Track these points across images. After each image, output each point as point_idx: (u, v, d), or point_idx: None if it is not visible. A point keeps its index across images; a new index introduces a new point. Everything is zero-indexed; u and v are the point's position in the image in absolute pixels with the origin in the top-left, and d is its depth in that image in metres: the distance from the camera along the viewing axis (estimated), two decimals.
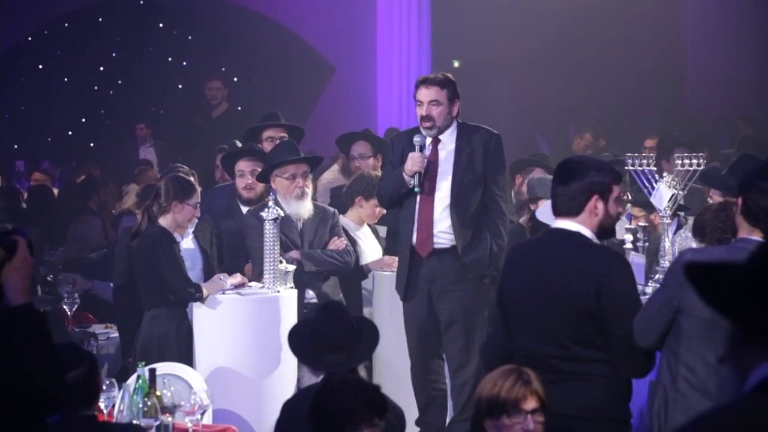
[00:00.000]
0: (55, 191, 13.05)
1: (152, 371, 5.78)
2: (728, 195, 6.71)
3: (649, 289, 6.82)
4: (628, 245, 7.35)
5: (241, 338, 7.38)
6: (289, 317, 7.38)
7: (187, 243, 7.74)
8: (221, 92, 13.53)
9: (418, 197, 7.45)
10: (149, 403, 5.67)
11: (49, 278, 9.14)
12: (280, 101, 14.54)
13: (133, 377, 6.00)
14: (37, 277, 8.97)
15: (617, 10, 17.32)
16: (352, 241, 8.41)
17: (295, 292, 7.58)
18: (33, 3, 15.65)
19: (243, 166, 8.47)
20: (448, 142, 7.51)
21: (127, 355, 7.99)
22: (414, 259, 7.48)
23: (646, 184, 7.35)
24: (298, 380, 7.23)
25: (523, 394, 4.29)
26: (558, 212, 5.08)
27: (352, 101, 16.62)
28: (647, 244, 7.47)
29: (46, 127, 17.10)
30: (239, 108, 14.61)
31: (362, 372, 5.49)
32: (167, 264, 7.41)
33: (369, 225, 8.68)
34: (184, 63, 17.49)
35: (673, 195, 7.25)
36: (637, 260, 7.21)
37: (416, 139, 7.43)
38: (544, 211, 6.63)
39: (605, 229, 5.12)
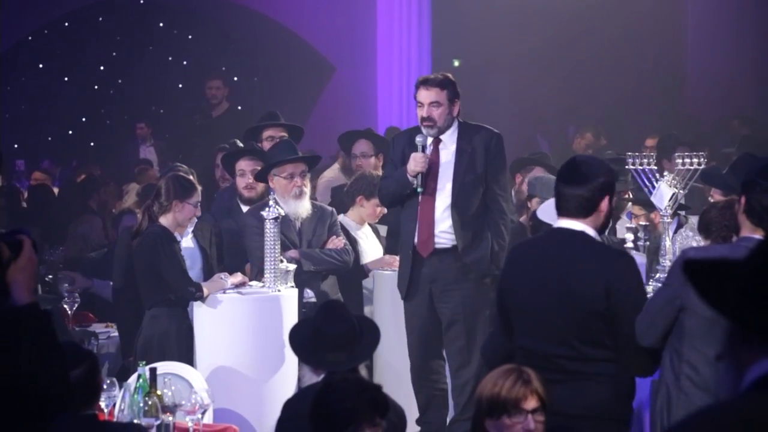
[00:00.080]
0: (56, 190, 13.05)
1: (153, 370, 5.78)
2: (729, 194, 6.70)
3: (649, 289, 6.82)
4: (629, 244, 7.35)
5: (242, 337, 7.38)
6: (290, 316, 7.38)
7: (187, 242, 7.73)
8: (221, 91, 13.52)
9: (420, 197, 7.45)
10: (150, 403, 5.67)
11: (48, 278, 9.12)
12: (280, 101, 14.53)
13: (134, 376, 6.00)
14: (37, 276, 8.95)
15: (617, 10, 17.31)
16: (353, 241, 8.41)
17: (295, 291, 7.58)
18: (33, 2, 15.65)
19: (243, 165, 8.47)
20: (449, 141, 7.51)
21: (127, 354, 7.98)
22: (415, 258, 7.48)
23: (647, 183, 7.35)
24: (299, 379, 7.23)
25: (523, 393, 4.29)
26: (566, 213, 5.06)
27: (353, 101, 16.62)
28: (648, 243, 7.47)
29: (46, 127, 17.10)
30: (239, 107, 14.60)
31: (363, 371, 5.49)
32: (168, 263, 7.41)
33: (370, 224, 8.68)
34: (185, 62, 17.48)
35: (673, 194, 7.25)
36: (638, 259, 7.20)
37: (418, 139, 7.42)
38: (545, 211, 6.63)
39: (605, 226, 5.17)
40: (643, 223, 7.61)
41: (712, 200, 7.23)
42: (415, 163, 7.38)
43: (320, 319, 5.42)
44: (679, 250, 6.85)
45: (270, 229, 7.45)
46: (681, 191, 7.30)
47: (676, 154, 7.62)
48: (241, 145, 9.40)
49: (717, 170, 7.51)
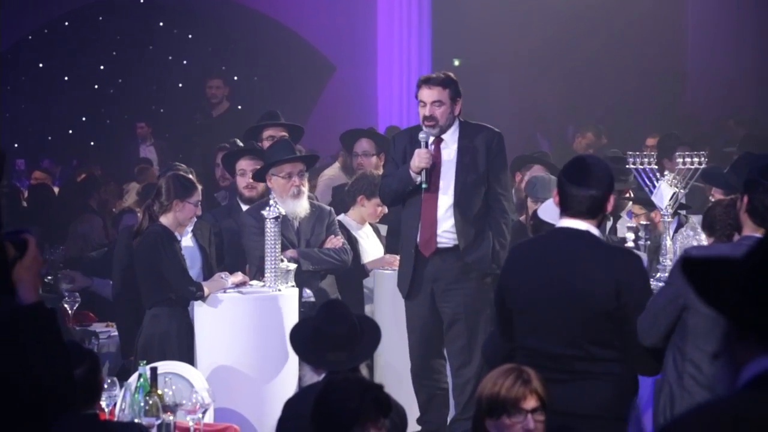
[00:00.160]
0: (56, 190, 13.05)
1: (153, 370, 5.78)
2: (730, 193, 6.70)
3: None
4: (630, 243, 7.34)
5: (243, 337, 7.38)
6: (291, 316, 7.37)
7: (186, 241, 7.73)
8: (221, 91, 13.51)
9: (422, 196, 7.44)
10: (151, 402, 5.67)
11: (47, 279, 9.11)
12: (280, 100, 14.54)
13: (135, 376, 6.00)
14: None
15: (618, 9, 17.31)
16: (354, 240, 8.41)
17: (296, 290, 7.58)
18: (33, 2, 15.66)
19: (244, 165, 8.47)
20: (450, 141, 7.51)
21: (127, 354, 7.98)
22: (417, 258, 7.47)
23: (647, 182, 7.35)
24: (300, 379, 7.23)
25: (522, 393, 4.28)
26: (573, 213, 5.06)
27: (353, 100, 16.62)
28: (648, 242, 7.47)
29: (46, 126, 17.11)
30: (239, 107, 14.59)
31: (364, 371, 5.49)
32: (168, 262, 7.41)
33: (370, 224, 8.68)
34: (185, 62, 17.48)
35: (674, 193, 7.24)
36: None
37: (422, 135, 7.42)
38: (546, 210, 6.63)
39: (603, 223, 5.20)
40: (644, 223, 7.60)
41: (713, 199, 7.23)
42: (420, 159, 7.37)
43: (321, 318, 5.42)
44: (680, 249, 6.85)
45: (270, 229, 7.44)
46: (682, 191, 7.30)
47: (677, 153, 7.61)
48: (241, 144, 9.39)
49: (718, 169, 7.51)
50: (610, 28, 17.26)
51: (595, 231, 5.09)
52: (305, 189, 8.00)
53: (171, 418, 5.75)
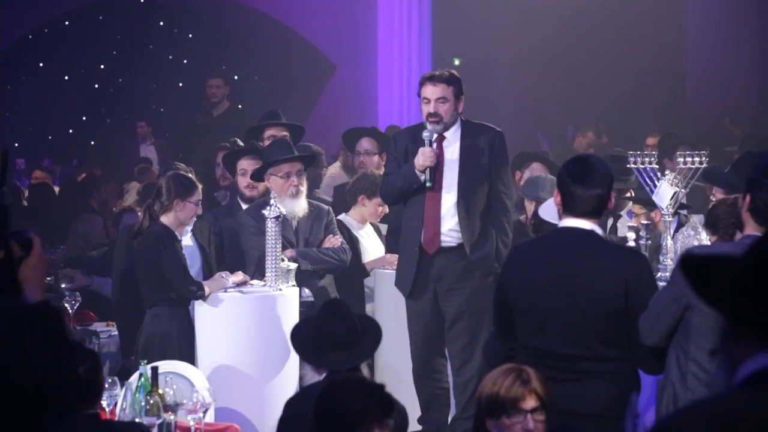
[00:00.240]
0: (56, 189, 13.05)
1: (154, 369, 5.78)
2: (731, 192, 6.69)
3: None
4: (631, 243, 7.34)
5: (243, 336, 7.38)
6: (291, 315, 7.37)
7: (186, 241, 7.72)
8: (221, 90, 13.50)
9: (425, 195, 7.44)
10: (151, 402, 5.67)
11: (48, 279, 9.11)
12: (280, 99, 14.54)
13: (136, 375, 6.00)
14: None
15: (618, 9, 17.32)
16: (355, 240, 8.41)
17: (296, 290, 7.58)
18: (34, 1, 15.65)
19: (245, 164, 8.46)
20: (453, 139, 7.51)
21: (127, 353, 7.98)
22: (421, 256, 7.46)
23: (648, 182, 7.35)
24: (301, 378, 7.22)
25: (521, 393, 4.27)
26: (578, 212, 5.06)
27: (353, 99, 16.62)
28: (649, 242, 7.47)
29: (46, 126, 17.11)
30: (240, 106, 14.60)
31: (365, 370, 5.49)
32: (169, 262, 7.41)
33: (371, 223, 8.67)
34: (185, 61, 17.48)
35: (675, 193, 7.24)
36: None
37: (425, 134, 7.41)
38: (547, 209, 6.62)
39: (605, 222, 5.22)
40: (645, 222, 7.60)
41: (713, 199, 7.22)
42: (424, 157, 7.36)
43: (322, 318, 5.42)
44: (681, 249, 6.85)
45: (271, 228, 7.44)
46: (682, 190, 7.30)
47: (678, 152, 7.61)
48: (241, 144, 9.39)
49: (719, 169, 7.50)
50: (611, 28, 17.26)
51: (599, 230, 5.11)
52: (303, 188, 8.00)
53: (172, 417, 5.75)
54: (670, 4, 18.35)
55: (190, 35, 17.51)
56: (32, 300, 3.47)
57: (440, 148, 7.48)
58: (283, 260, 7.54)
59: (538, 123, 17.38)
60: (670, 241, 7.20)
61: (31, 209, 12.03)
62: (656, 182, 7.32)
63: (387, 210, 8.47)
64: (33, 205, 12.19)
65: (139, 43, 17.21)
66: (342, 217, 8.51)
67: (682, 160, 7.29)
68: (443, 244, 7.43)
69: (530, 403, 4.28)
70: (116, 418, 5.73)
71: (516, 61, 17.82)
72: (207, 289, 7.40)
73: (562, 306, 5.03)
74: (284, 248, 7.76)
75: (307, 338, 5.41)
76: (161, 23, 17.52)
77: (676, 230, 7.45)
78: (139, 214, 8.86)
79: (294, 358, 7.07)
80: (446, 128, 7.47)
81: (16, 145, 16.09)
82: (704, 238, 6.82)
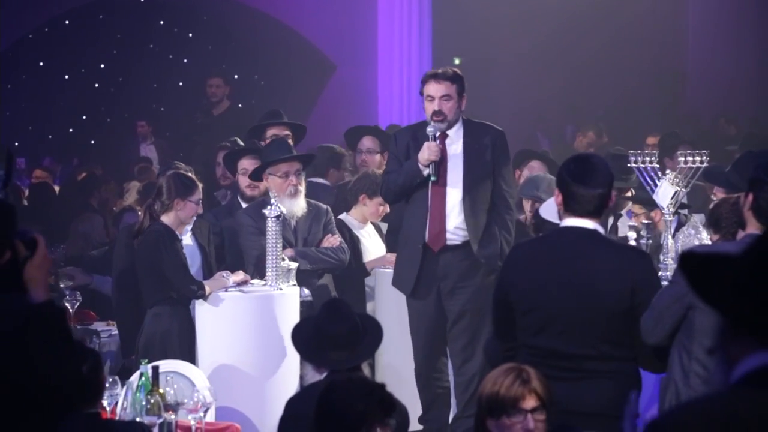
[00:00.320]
0: (56, 189, 13.05)
1: (155, 369, 5.78)
2: (731, 192, 6.69)
3: None
4: (632, 242, 7.34)
5: (244, 336, 7.38)
6: (292, 315, 7.37)
7: (186, 240, 7.72)
8: (221, 89, 13.50)
9: (430, 192, 7.43)
10: (152, 401, 5.67)
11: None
12: (281, 99, 14.54)
13: (136, 375, 6.00)
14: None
15: (618, 9, 17.32)
16: (356, 239, 8.41)
17: (297, 289, 7.58)
18: (34, 1, 15.65)
19: (246, 164, 8.46)
20: (455, 137, 7.51)
21: (128, 353, 7.98)
22: (425, 255, 7.44)
23: (649, 181, 7.35)
24: (301, 378, 7.23)
25: (521, 393, 4.27)
26: (580, 212, 5.06)
27: (353, 99, 16.62)
28: (650, 241, 7.47)
29: (47, 125, 17.12)
30: (240, 105, 14.60)
31: (366, 369, 5.49)
32: (170, 261, 7.41)
33: (372, 223, 8.67)
34: (185, 60, 17.49)
35: (675, 192, 7.25)
36: None
37: (430, 129, 7.40)
38: (548, 209, 6.62)
39: (606, 221, 5.22)
40: (646, 222, 7.60)
41: (714, 198, 7.22)
42: (429, 151, 7.35)
43: (323, 317, 5.42)
44: (682, 248, 6.85)
45: (272, 228, 7.44)
46: (683, 189, 7.30)
47: (679, 152, 7.61)
48: (241, 143, 9.38)
49: (719, 168, 7.50)
50: (611, 28, 17.26)
51: (601, 230, 5.12)
52: (302, 188, 7.99)
53: (172, 416, 5.74)
54: (670, 3, 18.35)
55: (191, 35, 17.51)
56: (37, 299, 3.47)
57: (443, 145, 7.48)
58: (283, 259, 7.54)
59: (538, 122, 17.38)
60: (670, 241, 7.20)
61: (32, 209, 12.02)
62: (657, 181, 7.32)
63: (388, 209, 8.47)
64: (33, 205, 12.18)
65: (140, 43, 17.21)
66: (343, 216, 8.51)
67: (682, 159, 7.29)
68: (448, 242, 7.42)
69: (530, 402, 4.28)
70: (117, 418, 5.73)
71: (516, 60, 17.82)
72: (208, 289, 7.40)
73: (566, 305, 5.02)
74: (283, 248, 7.76)
75: (307, 338, 5.41)
76: (161, 22, 17.52)
77: (676, 230, 7.45)
78: (140, 213, 8.86)
79: (295, 357, 7.07)
80: (449, 126, 7.47)
81: (17, 144, 16.09)
82: (705, 238, 6.82)
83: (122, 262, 7.93)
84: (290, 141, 8.84)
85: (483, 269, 7.41)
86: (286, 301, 7.44)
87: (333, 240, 7.99)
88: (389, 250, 8.43)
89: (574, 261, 5.05)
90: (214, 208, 8.86)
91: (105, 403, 5.61)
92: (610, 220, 8.39)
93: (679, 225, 7.64)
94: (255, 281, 7.63)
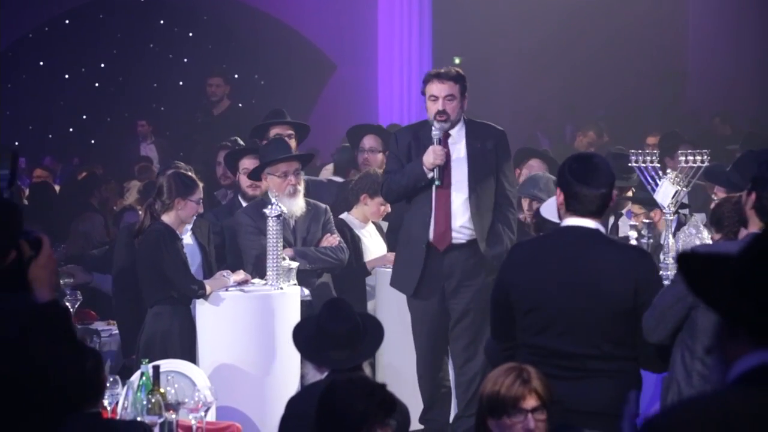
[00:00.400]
0: (57, 188, 13.05)
1: (156, 368, 5.78)
2: (732, 191, 6.69)
3: None
4: (633, 242, 7.34)
5: (245, 335, 7.37)
6: (293, 314, 7.37)
7: (185, 239, 7.72)
8: (221, 89, 13.50)
9: (435, 192, 7.42)
10: (153, 400, 5.67)
11: None
12: (281, 98, 14.54)
13: (137, 374, 6.00)
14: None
15: (618, 8, 17.31)
16: (357, 239, 8.41)
17: (298, 289, 7.57)
18: (34, 0, 15.65)
19: (248, 163, 8.46)
20: (458, 137, 7.51)
21: (128, 353, 7.97)
22: (429, 254, 7.43)
23: (650, 180, 7.35)
24: (302, 377, 7.21)
25: (522, 392, 4.27)
26: (583, 212, 5.05)
27: (354, 98, 16.62)
28: (651, 240, 7.48)
29: (47, 124, 17.13)
30: (240, 105, 14.60)
31: (367, 369, 5.48)
32: (171, 261, 7.41)
33: (373, 222, 8.67)
34: (185, 60, 17.49)
35: (676, 192, 7.25)
36: None
37: (435, 133, 7.40)
38: (549, 208, 6.62)
39: (606, 221, 5.23)
40: (647, 221, 7.61)
41: (715, 198, 7.22)
42: (435, 156, 7.35)
43: (324, 316, 5.41)
44: (683, 247, 6.85)
45: (272, 227, 7.44)
46: (684, 189, 7.30)
47: (680, 151, 7.61)
48: (241, 143, 9.38)
49: (720, 168, 7.50)
50: (611, 28, 17.26)
51: (602, 229, 5.12)
52: (301, 188, 7.99)
53: (173, 416, 5.74)
54: (671, 3, 18.35)
55: (191, 34, 17.52)
56: (42, 299, 3.47)
57: (446, 146, 7.48)
58: (284, 259, 7.54)
59: (538, 122, 17.37)
60: (672, 240, 7.20)
61: (32, 208, 12.01)
62: (658, 181, 7.33)
63: (389, 209, 8.46)
64: (34, 204, 12.18)
65: (140, 42, 17.22)
66: (344, 216, 8.51)
67: (683, 158, 7.29)
68: (454, 241, 7.42)
69: (531, 402, 4.27)
70: (118, 417, 5.73)
71: (516, 60, 17.82)
72: (208, 288, 7.40)
73: (568, 305, 5.01)
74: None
75: (308, 337, 5.41)
76: (161, 22, 17.53)
77: (676, 229, 7.45)
78: (140, 212, 8.86)
79: (295, 356, 7.06)
80: (452, 126, 7.47)
81: (17, 143, 16.10)
82: (706, 237, 6.82)
83: (122, 261, 7.93)
84: (293, 140, 8.84)
85: (487, 268, 7.40)
86: (287, 300, 7.44)
87: (332, 239, 7.98)
88: (390, 249, 8.42)
89: (576, 260, 5.05)
90: (215, 208, 8.86)
91: (106, 402, 5.60)
92: (611, 220, 8.40)
93: (679, 225, 7.65)
94: (256, 281, 7.63)
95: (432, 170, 7.36)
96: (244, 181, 8.46)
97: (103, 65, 17.32)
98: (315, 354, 5.37)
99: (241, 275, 7.56)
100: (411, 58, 16.70)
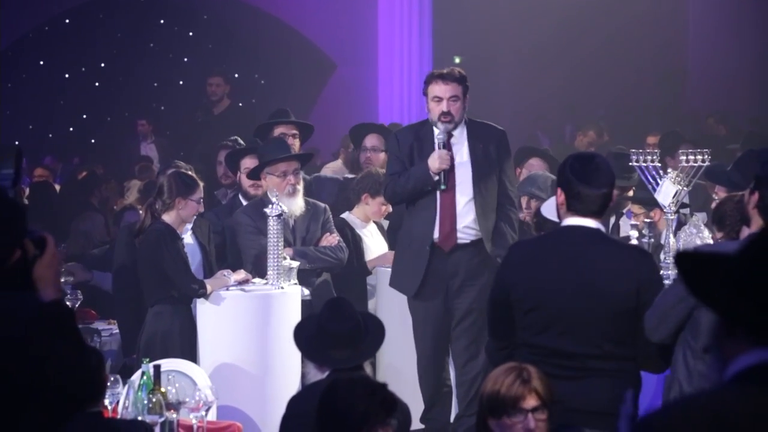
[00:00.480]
0: (57, 187, 13.05)
1: (157, 368, 5.78)
2: (733, 191, 6.69)
3: None
4: (633, 242, 7.34)
5: (245, 335, 7.37)
6: (293, 314, 7.37)
7: (186, 239, 7.72)
8: (222, 88, 13.50)
9: (438, 195, 7.42)
10: (154, 400, 5.67)
11: None
12: (281, 97, 14.54)
13: (138, 373, 6.00)
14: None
15: (618, 7, 17.32)
16: (358, 238, 8.40)
17: (298, 288, 7.57)
18: (34, 0, 15.65)
19: (249, 163, 8.45)
20: (460, 137, 7.50)
21: (129, 352, 7.98)
22: (433, 255, 7.43)
23: (651, 180, 7.35)
24: (303, 376, 7.18)
25: (522, 392, 4.27)
26: (584, 211, 5.05)
27: (354, 98, 16.62)
28: (652, 240, 7.48)
29: (47, 124, 17.13)
30: (240, 104, 14.60)
31: (367, 368, 5.47)
32: (171, 260, 7.41)
33: (375, 222, 8.67)
34: (186, 59, 17.49)
35: (677, 191, 7.25)
36: None
37: (439, 136, 7.40)
38: (549, 208, 6.62)
39: (607, 221, 5.24)
40: (647, 221, 7.61)
41: (715, 197, 7.22)
42: (441, 160, 7.35)
43: (325, 316, 5.41)
44: (683, 247, 6.85)
45: (273, 227, 7.44)
46: (685, 188, 7.30)
47: (680, 151, 7.61)
48: (242, 142, 9.38)
49: (721, 167, 7.50)
50: (611, 27, 17.26)
51: (603, 229, 5.12)
52: (300, 187, 7.99)
53: (174, 415, 5.75)
54: (671, 2, 18.36)
55: (191, 33, 17.52)
56: (47, 298, 3.47)
57: (449, 145, 7.47)
58: (285, 258, 7.54)
59: (538, 122, 17.38)
60: (672, 240, 7.20)
61: (32, 207, 12.00)
62: (658, 180, 7.32)
63: (390, 209, 8.46)
64: (34, 204, 12.17)
65: (140, 42, 17.22)
66: (345, 215, 8.51)
67: (684, 158, 7.29)
68: (459, 241, 7.42)
69: (531, 402, 4.27)
70: (119, 417, 5.73)
71: (516, 59, 17.82)
72: (209, 287, 7.40)
73: (569, 305, 5.01)
74: None
75: (309, 336, 5.40)
76: (162, 21, 17.53)
77: (677, 229, 7.45)
78: (140, 212, 8.86)
79: (296, 356, 7.05)
80: (455, 127, 7.47)
81: (17, 143, 16.09)
82: (706, 236, 6.82)
83: (123, 260, 7.93)
84: (298, 140, 8.85)
85: (490, 268, 7.39)
86: (288, 300, 7.44)
87: (331, 239, 7.98)
88: (392, 248, 8.42)
89: (577, 260, 5.05)
90: (215, 207, 8.86)
91: (107, 402, 5.60)
92: (612, 220, 8.40)
93: (679, 224, 7.65)
94: (256, 280, 7.63)
95: (438, 174, 7.36)
96: (246, 181, 8.45)
97: (103, 65, 17.32)
98: (316, 353, 5.36)
99: (241, 274, 7.56)
100: (411, 57, 16.70)
